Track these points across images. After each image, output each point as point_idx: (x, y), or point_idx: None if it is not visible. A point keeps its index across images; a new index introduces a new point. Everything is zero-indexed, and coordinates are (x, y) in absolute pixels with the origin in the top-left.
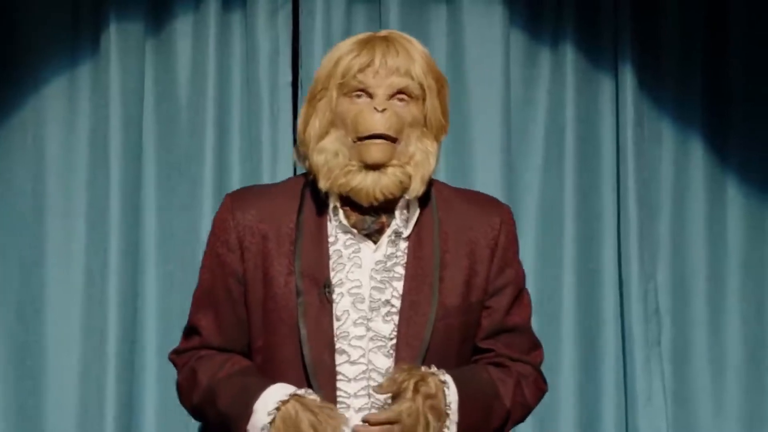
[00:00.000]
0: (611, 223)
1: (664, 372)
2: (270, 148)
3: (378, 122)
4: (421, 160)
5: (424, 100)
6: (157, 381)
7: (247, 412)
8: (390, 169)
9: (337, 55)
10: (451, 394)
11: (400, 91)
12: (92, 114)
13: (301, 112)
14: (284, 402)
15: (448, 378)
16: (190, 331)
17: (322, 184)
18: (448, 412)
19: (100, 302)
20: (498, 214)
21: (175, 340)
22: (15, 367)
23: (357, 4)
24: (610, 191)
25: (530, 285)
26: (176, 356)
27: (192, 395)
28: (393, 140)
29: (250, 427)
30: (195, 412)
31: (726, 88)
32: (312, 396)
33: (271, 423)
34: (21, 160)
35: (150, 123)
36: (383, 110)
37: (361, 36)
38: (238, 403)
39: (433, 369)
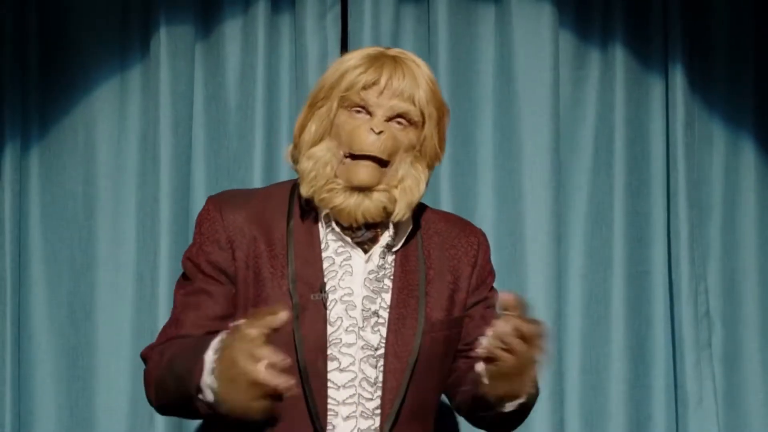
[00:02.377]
0: (661, 224)
1: (714, 374)
2: None
3: (373, 144)
4: (410, 186)
5: (422, 126)
6: None
7: (197, 366)
8: (375, 194)
9: (345, 68)
10: None
11: (400, 115)
12: (142, 116)
13: (300, 115)
14: (224, 338)
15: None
16: (169, 325)
17: (304, 191)
18: None
19: (149, 304)
20: (475, 235)
21: None
22: (67, 368)
23: (405, 5)
24: (660, 193)
25: (579, 286)
26: (148, 350)
27: (154, 373)
28: (384, 164)
29: (203, 378)
30: (158, 392)
31: None
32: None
33: (216, 360)
34: (72, 163)
35: (199, 126)
36: (380, 132)
37: (371, 51)
38: (190, 359)
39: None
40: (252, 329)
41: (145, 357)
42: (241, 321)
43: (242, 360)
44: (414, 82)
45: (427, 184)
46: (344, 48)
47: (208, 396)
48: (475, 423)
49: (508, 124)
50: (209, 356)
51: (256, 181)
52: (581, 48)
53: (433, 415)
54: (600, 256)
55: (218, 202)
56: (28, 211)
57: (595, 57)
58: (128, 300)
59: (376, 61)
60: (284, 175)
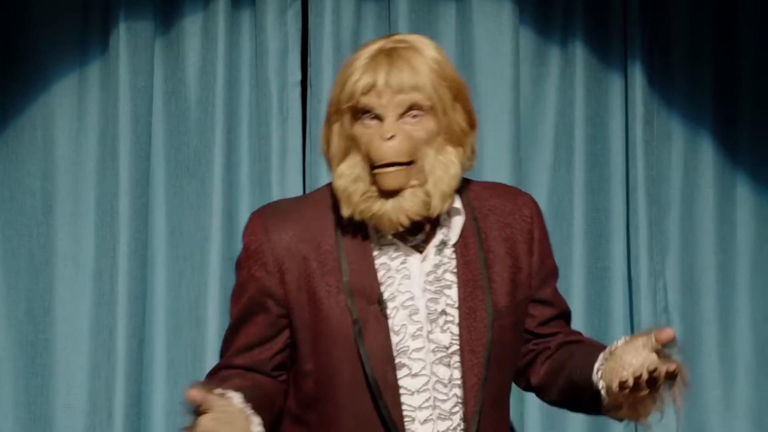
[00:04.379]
0: (620, 221)
1: None
2: (279, 146)
3: (387, 152)
4: (440, 176)
5: (438, 110)
6: (166, 379)
7: None
8: (408, 192)
9: (344, 78)
10: None
11: (410, 108)
12: (101, 112)
13: (322, 128)
14: None
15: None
16: (221, 352)
17: (345, 212)
18: None
19: (109, 301)
20: (527, 206)
21: (184, 337)
22: (24, 365)
23: (366, 2)
24: (619, 189)
25: None
26: (219, 364)
27: None
28: (407, 163)
29: None
30: None
31: (736, 86)
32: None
33: None
34: (30, 159)
35: (159, 122)
36: (391, 137)
37: (372, 49)
38: None
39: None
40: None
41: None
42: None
43: None
44: (413, 71)
45: (466, 163)
46: (305, 44)
47: None
48: (561, 404)
49: None
50: None
51: (216, 177)
52: (541, 45)
53: (508, 399)
54: (560, 253)
55: (263, 220)
56: None
57: (555, 54)
58: (87, 296)
59: (371, 62)
60: (244, 170)
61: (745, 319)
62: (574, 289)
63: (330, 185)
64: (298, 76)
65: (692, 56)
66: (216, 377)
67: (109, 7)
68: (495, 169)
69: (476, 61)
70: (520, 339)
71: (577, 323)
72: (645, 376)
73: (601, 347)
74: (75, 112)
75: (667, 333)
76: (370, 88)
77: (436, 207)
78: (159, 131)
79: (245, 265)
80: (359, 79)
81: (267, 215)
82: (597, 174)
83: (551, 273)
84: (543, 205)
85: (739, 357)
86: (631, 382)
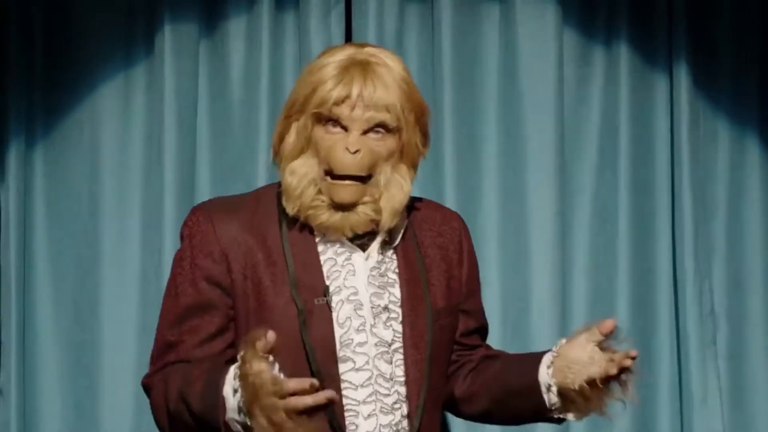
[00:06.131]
0: (666, 222)
1: (719, 372)
2: None
3: (349, 164)
4: (394, 193)
5: (401, 131)
6: None
7: (219, 403)
8: (360, 207)
9: (316, 81)
10: None
11: (376, 125)
12: (147, 114)
13: (277, 123)
14: (239, 367)
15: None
16: (165, 348)
17: (289, 208)
18: None
19: (154, 302)
20: (456, 220)
21: None
22: (71, 366)
23: (410, 3)
24: (664, 190)
25: (584, 285)
26: (148, 379)
27: (167, 407)
28: (365, 179)
29: (228, 415)
30: (173, 426)
31: None
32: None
33: (239, 395)
34: (77, 161)
35: (204, 123)
36: (356, 152)
37: (342, 57)
38: (208, 397)
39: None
40: (261, 365)
41: (147, 386)
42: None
43: (275, 411)
44: (386, 90)
45: (412, 182)
46: None
47: (238, 428)
48: (471, 416)
49: (512, 122)
50: (229, 394)
51: (261, 179)
52: (586, 46)
53: (443, 400)
54: (605, 255)
55: (208, 212)
56: (33, 209)
57: (599, 55)
58: (133, 298)
59: (345, 73)
60: None
61: None
62: (618, 292)
63: (273, 184)
64: None
65: (738, 56)
66: (188, 366)
67: (154, 10)
68: (539, 171)
69: (520, 62)
70: (451, 343)
71: (622, 326)
72: (613, 372)
73: (534, 354)
74: (121, 115)
75: (608, 324)
76: (343, 99)
77: (386, 223)
78: (204, 133)
79: (189, 255)
80: (333, 88)
81: (210, 208)
82: (642, 175)
83: (477, 285)
84: (588, 207)
85: None
86: (599, 382)
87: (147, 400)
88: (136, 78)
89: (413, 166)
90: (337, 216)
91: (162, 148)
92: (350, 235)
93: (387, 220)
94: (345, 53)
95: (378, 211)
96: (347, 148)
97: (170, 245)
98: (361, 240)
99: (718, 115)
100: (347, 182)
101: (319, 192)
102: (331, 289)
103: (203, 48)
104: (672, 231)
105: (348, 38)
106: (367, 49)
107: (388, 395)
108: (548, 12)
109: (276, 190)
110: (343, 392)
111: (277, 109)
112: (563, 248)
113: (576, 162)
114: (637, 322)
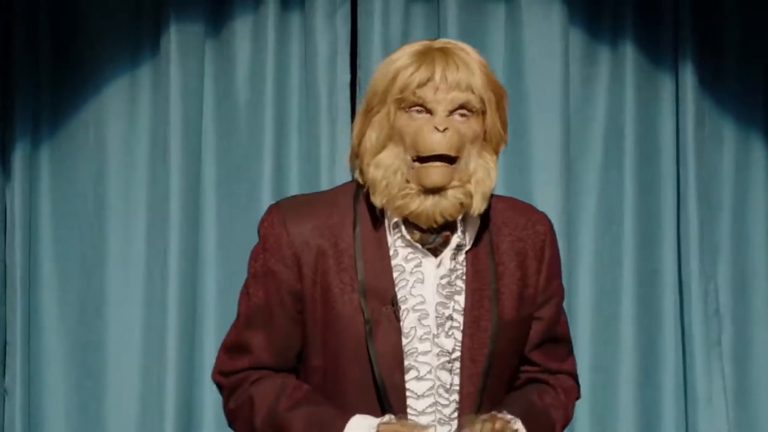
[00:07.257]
0: (671, 222)
1: (724, 372)
2: (328, 148)
3: (439, 143)
4: (482, 177)
5: (484, 113)
6: None
7: None
8: (450, 192)
9: (395, 69)
10: None
11: (461, 106)
12: (152, 115)
13: (356, 123)
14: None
15: (519, 426)
16: (237, 349)
17: (378, 201)
18: None
19: (160, 302)
20: (542, 224)
21: None
22: (76, 366)
23: (415, 3)
24: (670, 190)
25: (589, 285)
26: (224, 378)
27: (252, 423)
28: (453, 160)
29: None
30: None
31: None
32: (395, 421)
33: None
34: (82, 161)
35: (209, 123)
36: (444, 129)
37: (418, 47)
38: None
39: (506, 415)
40: None
41: (219, 384)
42: (389, 419)
43: None
44: (468, 70)
45: (496, 171)
46: (354, 46)
47: None
48: None
49: (518, 121)
50: None
51: (266, 179)
52: (591, 45)
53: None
54: (610, 255)
55: (283, 213)
56: (38, 209)
57: (605, 54)
58: (138, 298)
59: (425, 56)
60: (293, 172)
61: None
62: (623, 292)
63: (351, 183)
64: (347, 78)
65: (743, 56)
66: (273, 383)
67: (160, 10)
68: (544, 171)
69: (526, 61)
70: (519, 355)
71: (628, 326)
72: None
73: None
74: (126, 115)
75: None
76: (426, 81)
77: (476, 208)
78: (209, 133)
79: (262, 257)
80: (415, 71)
81: (286, 208)
82: (647, 175)
83: (555, 293)
84: (593, 207)
85: None
86: None
87: (151, 401)
88: (142, 78)
89: (496, 153)
90: (428, 202)
91: (168, 148)
92: (441, 220)
93: (478, 205)
94: (420, 44)
95: (468, 195)
96: (436, 127)
97: (175, 245)
98: (434, 243)
99: (723, 115)
100: (437, 164)
101: (407, 181)
102: (398, 297)
103: (209, 48)
104: (677, 231)
105: (354, 38)
106: (442, 39)
107: (447, 405)
108: (554, 11)
109: (352, 190)
110: (407, 402)
111: (282, 108)
112: (569, 248)
113: (581, 161)
114: (642, 322)
